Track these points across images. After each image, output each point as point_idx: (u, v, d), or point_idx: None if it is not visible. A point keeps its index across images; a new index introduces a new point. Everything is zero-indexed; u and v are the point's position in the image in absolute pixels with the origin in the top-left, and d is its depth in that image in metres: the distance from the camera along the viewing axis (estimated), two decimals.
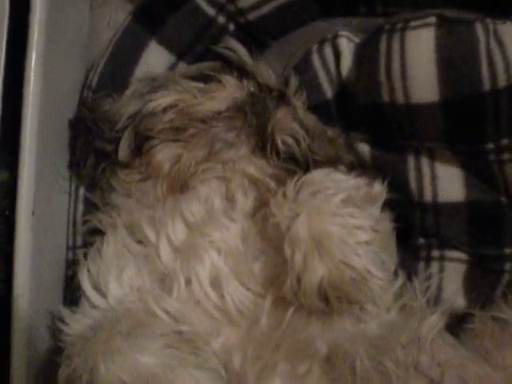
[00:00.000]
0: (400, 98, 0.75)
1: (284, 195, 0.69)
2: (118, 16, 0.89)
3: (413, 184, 0.81)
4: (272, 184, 0.76)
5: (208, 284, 0.71)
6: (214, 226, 0.73)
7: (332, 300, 0.65)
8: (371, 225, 0.67)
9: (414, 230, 0.83)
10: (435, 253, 0.83)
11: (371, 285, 0.65)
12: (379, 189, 0.75)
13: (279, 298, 0.70)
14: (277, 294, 0.70)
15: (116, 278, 0.72)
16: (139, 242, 0.75)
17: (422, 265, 0.83)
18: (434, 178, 0.80)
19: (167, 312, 0.69)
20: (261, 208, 0.74)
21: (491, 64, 0.69)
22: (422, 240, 0.84)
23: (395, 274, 0.77)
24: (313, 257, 0.64)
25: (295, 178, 0.70)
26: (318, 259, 0.64)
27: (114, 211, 0.78)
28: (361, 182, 0.73)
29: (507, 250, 0.80)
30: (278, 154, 0.77)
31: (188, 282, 0.71)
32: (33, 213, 0.74)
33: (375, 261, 0.66)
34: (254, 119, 0.76)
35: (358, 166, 0.84)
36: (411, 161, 0.81)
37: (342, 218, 0.66)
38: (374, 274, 0.65)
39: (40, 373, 0.73)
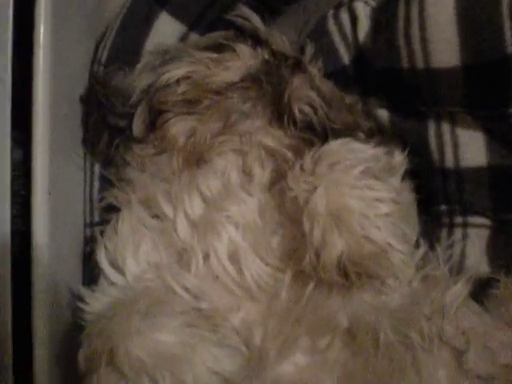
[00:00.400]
0: (420, 63, 0.73)
1: (301, 168, 0.68)
2: None
3: (434, 150, 0.79)
4: (289, 155, 0.75)
5: (226, 259, 0.70)
6: (231, 200, 0.72)
7: (351, 275, 0.64)
8: (391, 197, 0.65)
9: (436, 197, 0.82)
10: (458, 219, 0.82)
11: (392, 259, 0.64)
12: (399, 159, 0.73)
13: (298, 272, 0.69)
14: (296, 268, 0.69)
15: (132, 254, 0.72)
16: (155, 216, 0.74)
17: (444, 232, 0.82)
18: (455, 143, 0.78)
19: (186, 289, 0.69)
20: (278, 180, 0.73)
21: None
22: (444, 207, 0.82)
23: (417, 243, 0.76)
24: (332, 231, 0.63)
25: (313, 150, 0.69)
26: (336, 234, 0.63)
27: (128, 186, 0.77)
28: (380, 151, 0.71)
29: None
30: (294, 123, 0.75)
31: (206, 257, 0.70)
32: (49, 192, 0.73)
33: (396, 233, 0.64)
34: (270, 88, 0.75)
35: (377, 133, 0.82)
36: (432, 127, 0.79)
37: (360, 191, 0.64)
38: (395, 247, 0.64)
39: (61, 352, 0.73)
